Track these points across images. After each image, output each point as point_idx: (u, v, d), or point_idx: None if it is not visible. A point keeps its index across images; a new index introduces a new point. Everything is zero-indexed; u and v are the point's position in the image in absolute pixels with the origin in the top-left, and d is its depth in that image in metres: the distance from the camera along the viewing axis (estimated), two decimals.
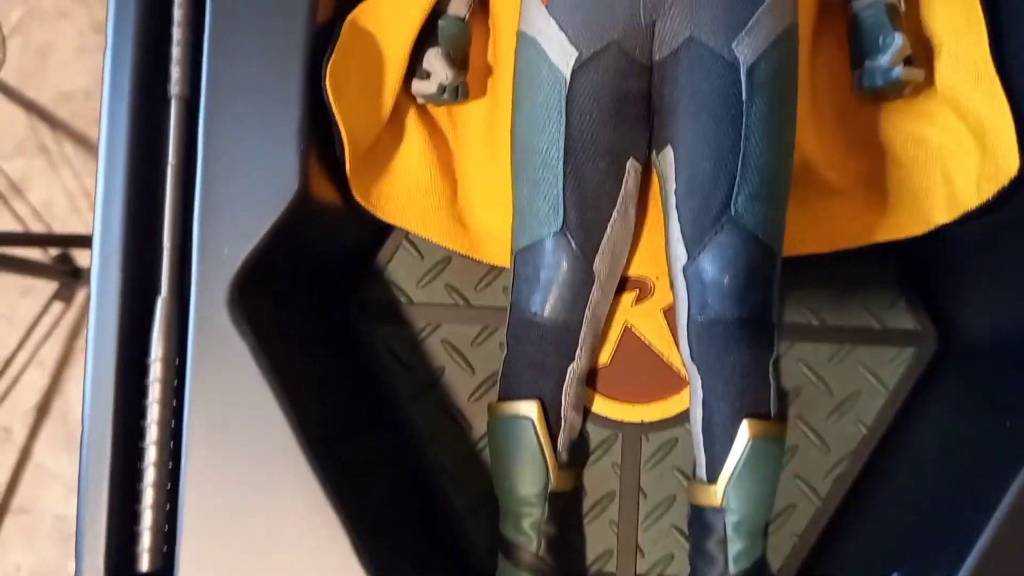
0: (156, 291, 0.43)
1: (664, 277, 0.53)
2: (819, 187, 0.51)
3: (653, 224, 0.52)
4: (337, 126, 0.44)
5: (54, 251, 1.25)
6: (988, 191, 0.45)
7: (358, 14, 0.46)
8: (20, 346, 1.21)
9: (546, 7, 0.46)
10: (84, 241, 1.25)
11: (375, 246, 0.54)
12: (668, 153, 0.47)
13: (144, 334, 0.42)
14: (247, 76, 0.43)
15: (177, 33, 0.43)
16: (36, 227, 1.25)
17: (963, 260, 0.51)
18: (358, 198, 0.47)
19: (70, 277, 1.23)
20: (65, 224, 1.26)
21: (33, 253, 1.22)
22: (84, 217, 1.25)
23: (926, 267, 0.53)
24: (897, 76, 0.47)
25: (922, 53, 0.49)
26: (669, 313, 0.53)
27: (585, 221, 0.47)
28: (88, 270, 0.43)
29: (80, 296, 1.22)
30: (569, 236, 0.47)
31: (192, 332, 0.42)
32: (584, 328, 0.48)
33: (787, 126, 0.47)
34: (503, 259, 0.52)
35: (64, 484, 1.17)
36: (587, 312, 0.48)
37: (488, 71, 0.53)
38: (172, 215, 0.43)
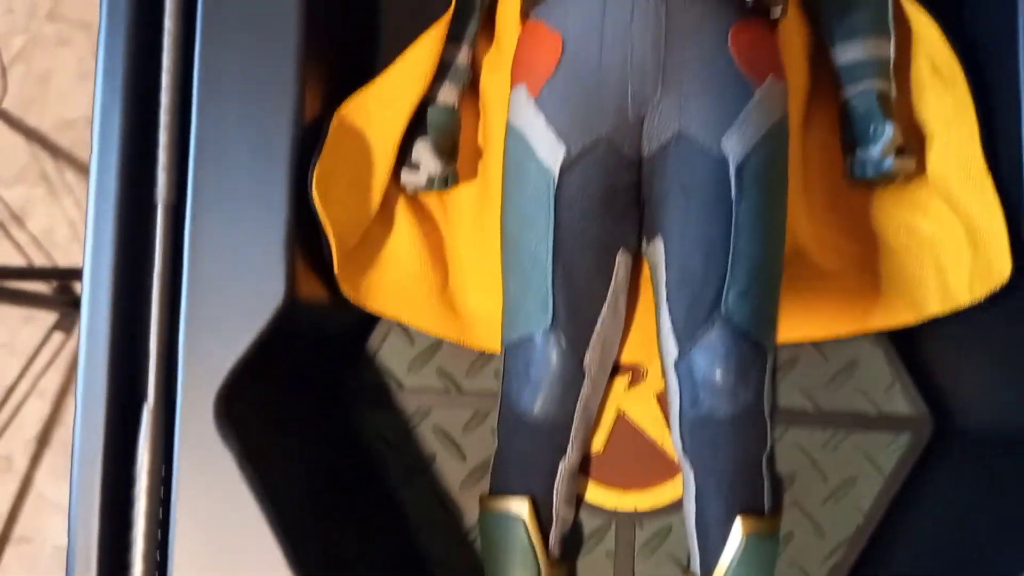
0: (143, 399, 0.42)
1: (657, 361, 0.52)
2: (811, 272, 0.51)
3: (644, 308, 0.52)
4: (325, 231, 0.44)
5: (54, 280, 1.25)
6: (980, 291, 0.45)
7: (347, 110, 0.46)
8: (21, 375, 1.21)
9: (534, 100, 0.46)
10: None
11: (365, 331, 0.54)
12: (658, 243, 0.46)
13: (130, 442, 0.42)
14: (233, 181, 0.42)
15: (163, 138, 0.42)
16: (36, 256, 1.25)
17: (958, 345, 0.51)
18: (346, 293, 0.47)
19: (70, 307, 1.23)
20: (66, 252, 1.26)
21: (33, 283, 1.22)
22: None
23: (921, 351, 0.53)
24: (888, 167, 0.47)
25: (913, 139, 0.49)
26: (662, 398, 0.53)
27: (575, 317, 0.46)
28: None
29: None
30: (559, 333, 0.46)
31: (178, 443, 0.42)
32: (576, 423, 0.48)
33: (778, 221, 0.46)
34: (495, 344, 0.51)
35: (65, 514, 1.17)
36: (578, 407, 0.48)
37: (478, 153, 0.52)
38: (159, 323, 0.42)
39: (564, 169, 0.45)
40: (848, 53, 0.49)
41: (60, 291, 1.23)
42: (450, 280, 0.52)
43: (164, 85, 0.43)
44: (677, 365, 0.46)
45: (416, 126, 0.48)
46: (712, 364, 0.45)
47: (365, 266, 0.49)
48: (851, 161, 0.49)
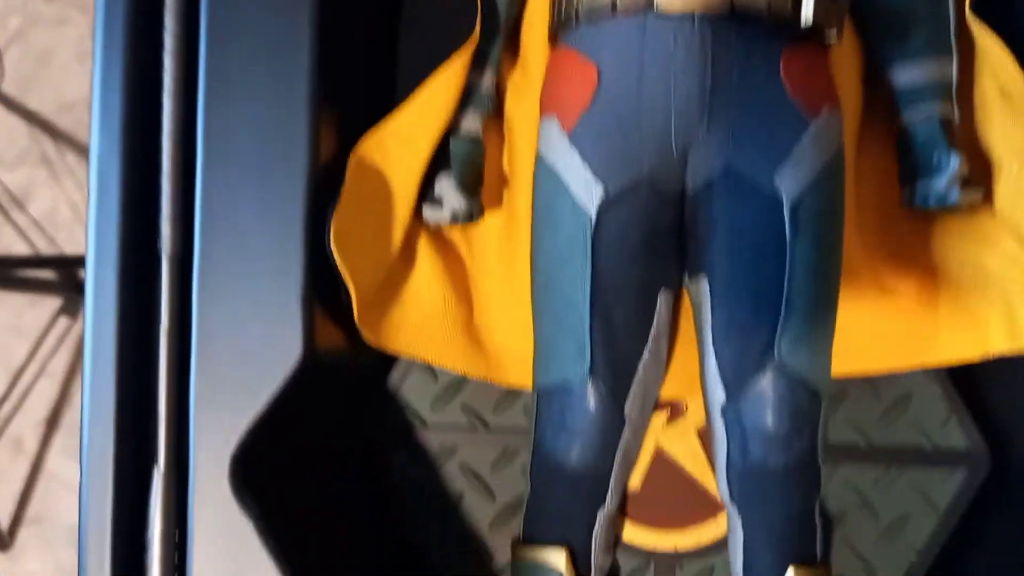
0: (153, 462, 0.40)
1: (697, 395, 0.49)
2: (866, 305, 0.47)
3: (684, 342, 0.48)
4: (344, 281, 0.40)
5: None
6: None
7: (364, 150, 0.42)
8: (30, 358, 1.20)
9: (568, 136, 0.42)
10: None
11: (385, 367, 0.50)
12: (703, 283, 0.43)
13: (141, 509, 0.39)
14: (244, 230, 0.39)
15: (167, 186, 0.39)
16: (38, 239, 1.23)
17: (1019, 375, 0.48)
18: (367, 338, 0.44)
19: (75, 292, 1.21)
20: (68, 234, 1.24)
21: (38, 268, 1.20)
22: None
23: (979, 383, 0.50)
24: (954, 200, 0.43)
25: (977, 165, 0.45)
26: (703, 433, 0.50)
27: (614, 363, 0.43)
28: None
29: None
30: (597, 380, 0.43)
31: (193, 509, 0.39)
32: (615, 471, 0.45)
33: (834, 261, 0.43)
34: (523, 380, 0.48)
35: (77, 491, 1.16)
36: (618, 455, 0.44)
37: (503, 180, 0.49)
38: (167, 384, 0.39)
39: (602, 210, 0.41)
40: (907, 75, 0.45)
41: (65, 276, 1.22)
42: (475, 315, 0.49)
43: (166, 130, 0.39)
44: (725, 412, 0.43)
45: (438, 156, 0.45)
46: (764, 413, 0.42)
47: (386, 307, 0.45)
48: (910, 190, 0.45)
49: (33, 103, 1.23)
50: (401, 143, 0.43)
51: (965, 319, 0.46)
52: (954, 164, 0.42)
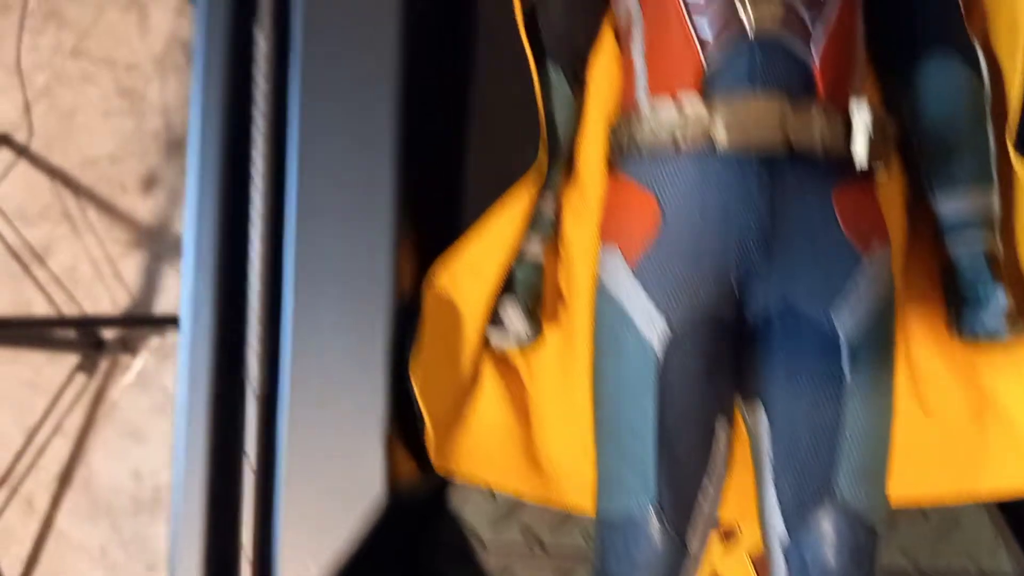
0: None
1: (749, 519, 0.50)
2: (916, 436, 0.49)
3: (738, 464, 0.49)
4: (422, 418, 0.42)
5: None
6: None
7: (439, 283, 0.43)
8: (46, 415, 1.20)
9: (633, 271, 0.44)
10: (108, 321, 1.23)
11: (445, 486, 0.52)
12: (760, 413, 0.44)
13: None
14: (329, 372, 0.40)
15: (256, 329, 0.41)
16: (57, 294, 1.23)
17: None
18: (439, 468, 0.45)
19: (92, 350, 1.22)
20: (88, 290, 1.24)
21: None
22: (107, 284, 1.23)
23: None
24: (1003, 337, 0.45)
25: (1019, 291, 0.47)
26: (757, 559, 0.51)
27: (678, 496, 0.44)
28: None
29: (103, 365, 1.20)
30: (662, 514, 0.44)
31: None
32: None
33: (889, 395, 0.44)
34: (582, 501, 0.49)
35: (87, 553, 1.15)
36: None
37: (560, 299, 0.50)
38: (253, 522, 0.40)
39: (668, 348, 0.43)
40: (951, 203, 0.47)
41: (84, 334, 1.22)
42: (535, 435, 0.50)
43: (253, 268, 0.41)
44: (784, 544, 0.44)
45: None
46: (824, 550, 0.43)
47: (454, 435, 0.47)
48: (958, 320, 0.47)
49: (56, 159, 1.24)
50: (472, 273, 0.44)
51: (1014, 445, 0.47)
52: (1001, 301, 0.44)
